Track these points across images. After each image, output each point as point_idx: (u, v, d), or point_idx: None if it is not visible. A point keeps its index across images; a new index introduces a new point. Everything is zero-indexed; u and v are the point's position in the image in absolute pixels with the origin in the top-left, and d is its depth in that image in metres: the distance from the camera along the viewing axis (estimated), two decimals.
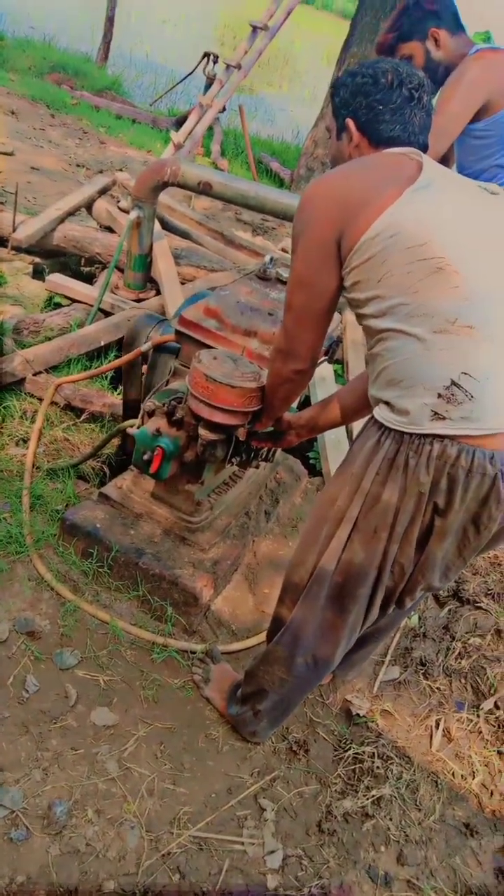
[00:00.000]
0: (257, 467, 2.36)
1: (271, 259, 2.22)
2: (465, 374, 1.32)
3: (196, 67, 7.48)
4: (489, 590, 2.67)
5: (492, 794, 2.05)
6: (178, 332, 2.14)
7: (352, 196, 1.42)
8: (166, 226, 4.36)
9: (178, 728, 1.97)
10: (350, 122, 1.59)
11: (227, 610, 2.32)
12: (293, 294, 1.57)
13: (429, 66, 2.53)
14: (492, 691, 2.29)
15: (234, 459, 2.17)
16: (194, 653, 2.16)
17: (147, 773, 1.84)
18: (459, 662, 2.37)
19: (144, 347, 2.33)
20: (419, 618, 2.54)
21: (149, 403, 2.08)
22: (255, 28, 5.93)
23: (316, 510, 1.64)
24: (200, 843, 1.73)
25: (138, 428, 2.05)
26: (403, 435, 1.39)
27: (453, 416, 1.34)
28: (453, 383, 1.33)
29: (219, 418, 1.87)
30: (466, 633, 2.46)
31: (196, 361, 1.89)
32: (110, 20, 10.16)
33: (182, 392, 2.06)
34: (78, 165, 6.60)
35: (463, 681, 2.34)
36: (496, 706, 2.25)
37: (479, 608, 2.58)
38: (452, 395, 1.33)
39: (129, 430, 2.07)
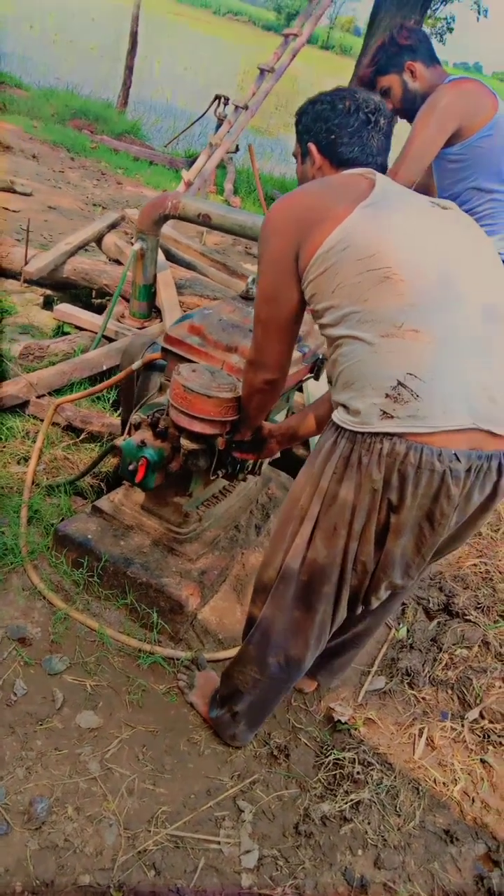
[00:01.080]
0: (244, 479, 2.43)
1: (253, 280, 2.32)
2: (411, 374, 1.39)
3: (208, 109, 7.77)
4: (479, 603, 2.69)
5: (473, 801, 2.05)
6: (163, 350, 2.25)
7: (308, 214, 1.51)
8: (173, 258, 4.52)
9: (160, 731, 2.02)
10: (312, 147, 1.70)
11: (214, 619, 2.37)
12: (260, 308, 1.66)
13: (406, 96, 2.66)
14: (478, 701, 2.30)
15: (219, 472, 2.25)
16: (180, 660, 2.21)
17: (128, 773, 1.89)
18: (446, 673, 2.39)
19: (135, 366, 2.43)
20: (407, 630, 2.56)
21: (134, 416, 2.18)
22: (262, 70, 6.16)
23: (282, 510, 1.71)
24: (177, 842, 1.77)
25: (124, 440, 2.14)
26: (356, 434, 1.45)
27: (400, 414, 1.40)
28: (399, 383, 1.39)
29: (197, 427, 1.96)
30: (453, 644, 2.48)
31: (176, 374, 1.98)
32: (129, 69, 10.61)
33: (165, 405, 2.15)
34: (94, 205, 6.85)
35: (449, 691, 2.36)
36: (481, 716, 2.27)
37: (468, 621, 2.60)
38: (399, 394, 1.40)
39: (116, 442, 2.16)
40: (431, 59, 2.65)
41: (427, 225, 1.54)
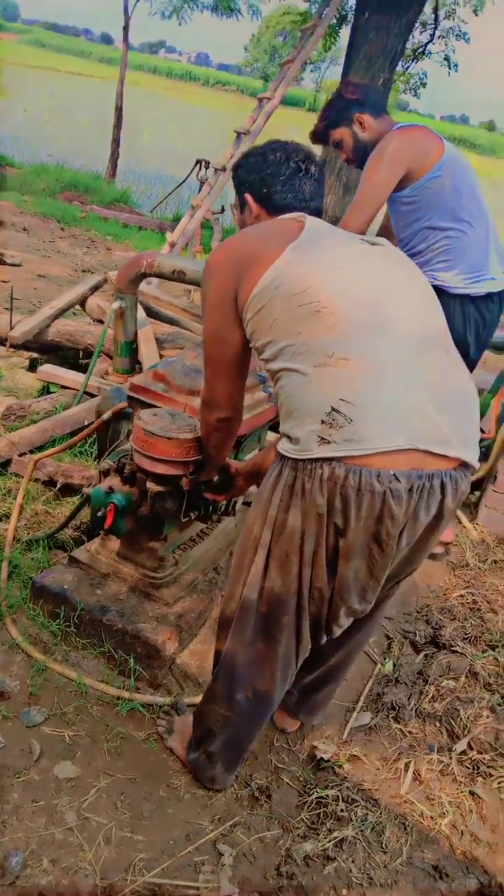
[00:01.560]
0: (219, 521, 2.45)
1: None
2: (343, 400, 1.43)
3: (190, 173, 8.08)
4: (466, 634, 2.67)
5: (462, 834, 2.00)
6: (129, 398, 2.31)
7: (244, 258, 1.59)
8: (155, 315, 4.64)
9: (139, 778, 2.00)
10: (248, 197, 1.81)
11: (193, 663, 2.36)
12: (207, 349, 1.73)
13: (357, 146, 2.79)
14: (465, 732, 2.26)
15: (191, 514, 2.27)
16: (161, 706, 2.20)
17: (105, 822, 1.86)
18: (433, 705, 2.36)
19: (106, 416, 2.49)
20: (394, 664, 2.54)
21: (103, 464, 2.23)
22: (238, 134, 6.42)
23: (238, 543, 1.73)
24: (154, 889, 1.73)
25: (93, 487, 2.18)
26: (298, 462, 1.49)
27: (337, 439, 1.44)
28: (333, 409, 1.43)
29: (161, 469, 2.00)
30: (440, 676, 2.46)
31: (137, 419, 2.04)
32: (116, 141, 11.10)
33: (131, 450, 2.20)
34: (84, 271, 7.06)
35: (437, 724, 2.32)
36: (469, 747, 2.23)
37: (455, 652, 2.58)
38: (333, 420, 1.44)
39: (86, 491, 2.20)
40: (379, 111, 2.78)
41: (356, 261, 1.61)
